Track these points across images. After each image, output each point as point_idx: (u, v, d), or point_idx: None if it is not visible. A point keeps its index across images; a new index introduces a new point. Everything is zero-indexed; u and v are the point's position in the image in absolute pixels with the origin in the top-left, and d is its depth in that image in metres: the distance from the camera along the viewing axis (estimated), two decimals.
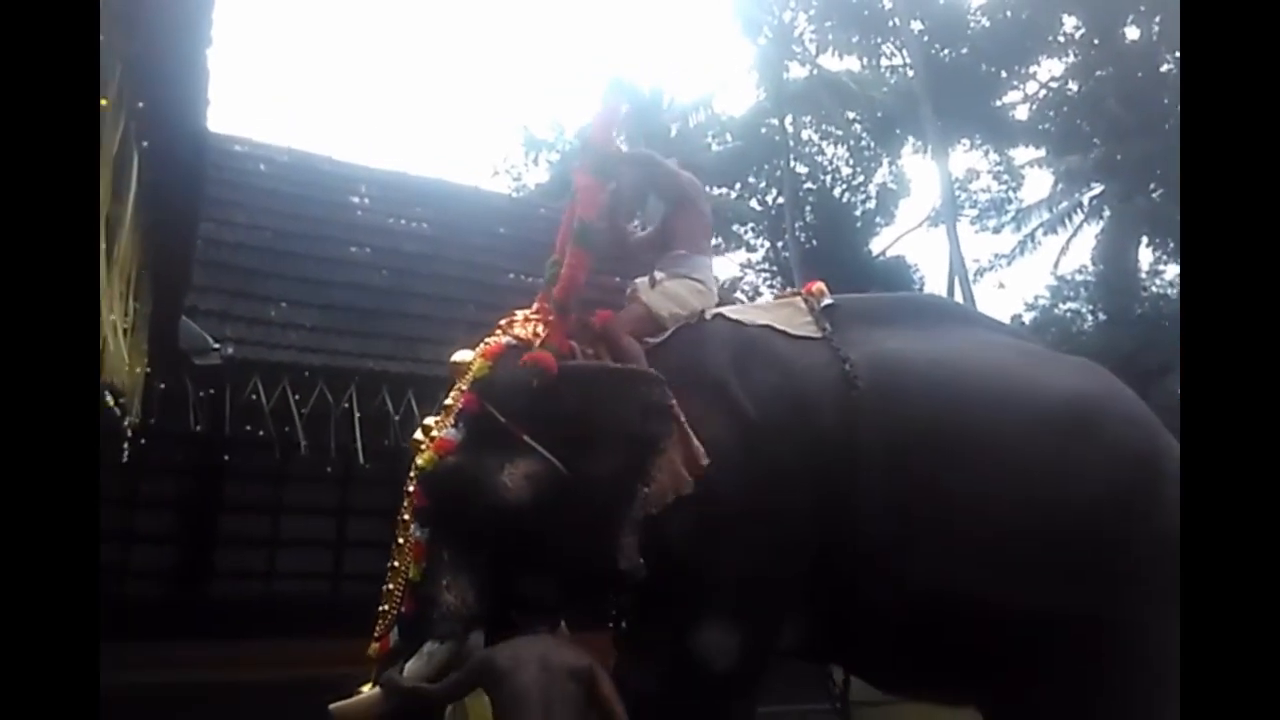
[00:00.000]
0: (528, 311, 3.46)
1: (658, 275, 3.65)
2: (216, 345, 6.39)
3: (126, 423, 4.30)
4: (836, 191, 23.29)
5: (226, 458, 7.29)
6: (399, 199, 9.47)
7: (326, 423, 6.65)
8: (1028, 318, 19.87)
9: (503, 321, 3.46)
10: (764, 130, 21.02)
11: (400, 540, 3.12)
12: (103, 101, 2.06)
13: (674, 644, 3.04)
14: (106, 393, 3.54)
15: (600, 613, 3.07)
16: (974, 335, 3.63)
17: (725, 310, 3.64)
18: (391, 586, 3.08)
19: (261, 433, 6.51)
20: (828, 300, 3.65)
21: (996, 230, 21.77)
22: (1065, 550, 3.12)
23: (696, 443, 3.07)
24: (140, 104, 2.47)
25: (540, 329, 3.29)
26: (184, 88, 2.57)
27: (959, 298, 17.17)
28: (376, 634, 3.07)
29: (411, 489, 3.16)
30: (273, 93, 44.27)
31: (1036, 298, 20.34)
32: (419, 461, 3.12)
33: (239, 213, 8.08)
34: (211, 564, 7.73)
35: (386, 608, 3.08)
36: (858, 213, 23.01)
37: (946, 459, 3.15)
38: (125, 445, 4.58)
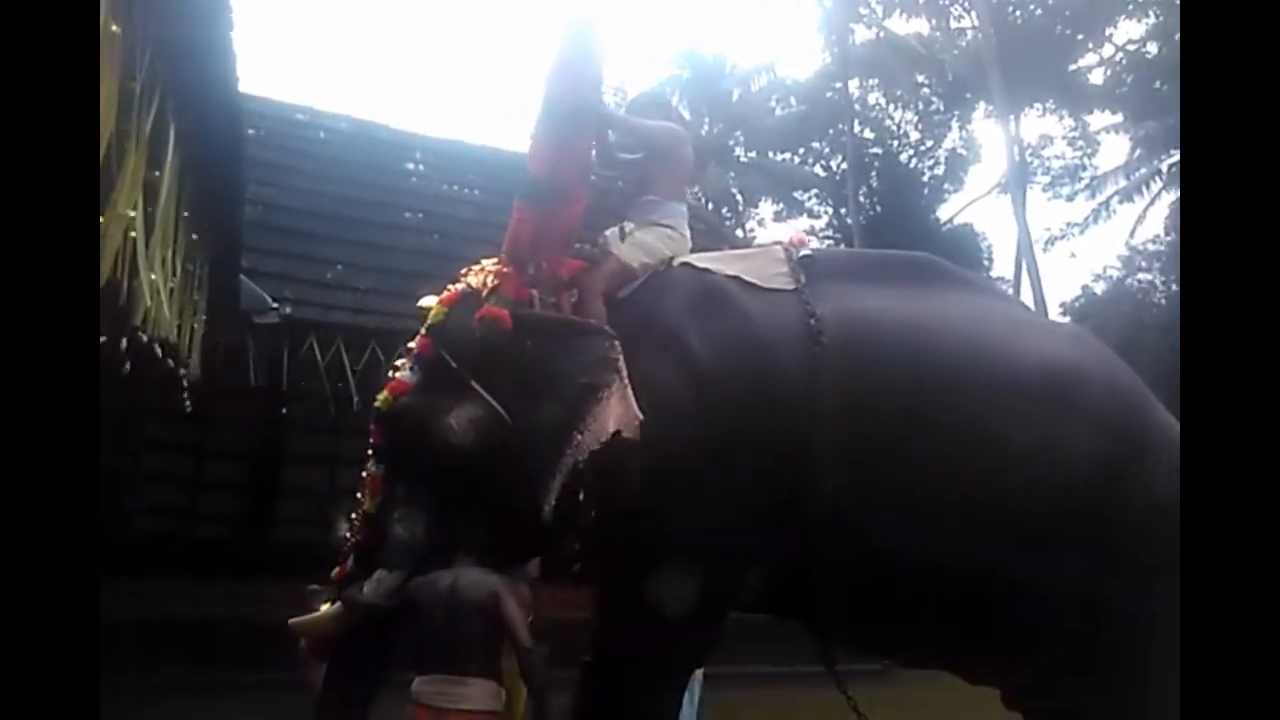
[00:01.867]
0: (488, 261, 3.48)
1: (627, 226, 3.63)
2: (275, 305, 6.79)
3: (183, 374, 4.65)
4: (903, 157, 22.77)
5: (284, 411, 7.73)
6: (452, 167, 9.77)
7: (379, 380, 6.99)
8: (1098, 288, 19.28)
9: (463, 270, 3.52)
10: (829, 94, 20.66)
11: (363, 475, 3.32)
12: (133, 83, 2.29)
13: (630, 592, 3.07)
14: (156, 346, 3.86)
15: (559, 562, 3.14)
16: (963, 299, 3.51)
17: (695, 258, 3.58)
18: (355, 517, 3.30)
19: (317, 388, 6.91)
20: (806, 251, 3.57)
21: (1070, 198, 21.12)
22: (1035, 519, 3.07)
23: (633, 400, 3.06)
24: (173, 85, 2.71)
25: (491, 279, 3.33)
26: (213, 69, 2.81)
27: (1024, 267, 16.77)
28: (338, 560, 3.29)
29: (372, 426, 3.35)
30: (333, 60, 45.06)
31: (1106, 268, 19.69)
32: (377, 401, 3.30)
33: (299, 179, 8.47)
34: (273, 511, 8.23)
35: (348, 536, 3.30)
36: (925, 179, 22.50)
37: (913, 422, 3.09)
38: (185, 395, 4.96)
